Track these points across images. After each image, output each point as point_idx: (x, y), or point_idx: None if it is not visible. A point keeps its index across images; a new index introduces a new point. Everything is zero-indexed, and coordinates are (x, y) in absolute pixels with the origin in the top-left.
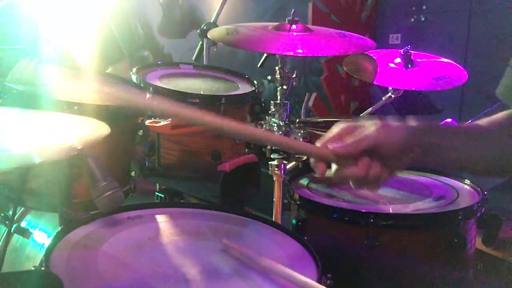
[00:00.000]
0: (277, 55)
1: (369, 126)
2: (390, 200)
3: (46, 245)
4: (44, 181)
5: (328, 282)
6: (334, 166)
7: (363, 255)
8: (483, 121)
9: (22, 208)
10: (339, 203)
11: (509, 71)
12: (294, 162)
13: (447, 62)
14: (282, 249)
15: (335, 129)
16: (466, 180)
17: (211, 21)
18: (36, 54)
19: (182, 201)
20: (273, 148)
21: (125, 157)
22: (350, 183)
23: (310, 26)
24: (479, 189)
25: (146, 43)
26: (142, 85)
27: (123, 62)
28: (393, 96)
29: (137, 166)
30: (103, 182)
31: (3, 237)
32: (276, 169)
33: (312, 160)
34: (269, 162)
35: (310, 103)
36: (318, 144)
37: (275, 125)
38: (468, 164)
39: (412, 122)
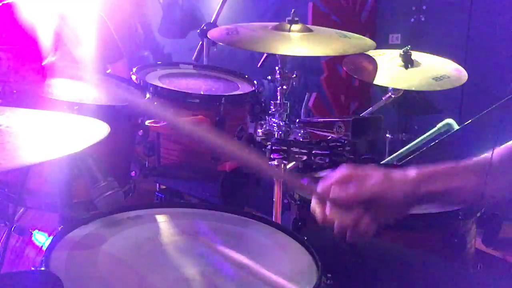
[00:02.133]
0: (277, 55)
1: (372, 176)
2: None
3: (46, 245)
4: (44, 181)
5: (328, 282)
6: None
7: (363, 255)
8: (495, 154)
9: (22, 208)
10: None
11: None
12: (294, 162)
13: (447, 62)
14: (282, 249)
15: (339, 173)
16: None
17: (211, 21)
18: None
19: (182, 201)
20: (273, 148)
21: (125, 157)
22: (335, 225)
23: (310, 26)
24: None
25: (146, 43)
26: (142, 85)
27: (121, 61)
28: (393, 96)
29: (137, 166)
30: (103, 182)
31: (3, 237)
32: (276, 169)
33: (313, 202)
34: (269, 162)
35: (310, 103)
36: (321, 184)
37: (275, 125)
38: (478, 201)
39: (413, 171)
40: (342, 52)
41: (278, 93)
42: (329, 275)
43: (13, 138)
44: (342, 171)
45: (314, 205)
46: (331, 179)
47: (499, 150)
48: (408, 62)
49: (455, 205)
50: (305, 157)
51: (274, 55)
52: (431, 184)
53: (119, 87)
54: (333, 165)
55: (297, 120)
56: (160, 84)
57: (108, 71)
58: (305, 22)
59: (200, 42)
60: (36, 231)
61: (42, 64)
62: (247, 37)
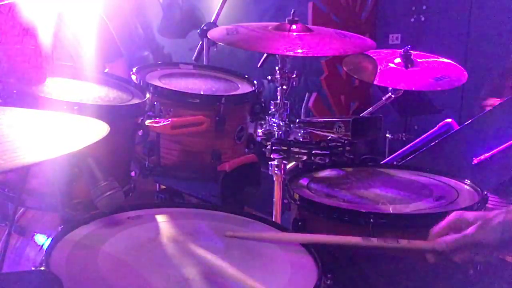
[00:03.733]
0: (277, 55)
1: (471, 222)
2: (390, 200)
3: (46, 245)
4: (44, 181)
5: (328, 282)
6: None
7: (363, 255)
8: None
9: (22, 208)
10: (339, 203)
11: None
12: (294, 162)
13: (447, 62)
14: (282, 249)
15: (446, 222)
16: (466, 180)
17: (211, 21)
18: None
19: (182, 201)
20: (273, 148)
21: (125, 157)
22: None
23: (310, 26)
24: (479, 189)
25: (146, 43)
26: (142, 85)
27: (120, 60)
28: (393, 96)
29: (137, 166)
30: (103, 182)
31: (3, 237)
32: (276, 169)
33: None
34: (269, 162)
35: (310, 103)
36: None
37: (275, 125)
38: None
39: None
40: (342, 52)
41: (278, 93)
42: (329, 275)
43: (13, 138)
44: (449, 219)
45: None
46: (442, 228)
47: None
48: (408, 62)
49: None
50: (305, 157)
51: (274, 55)
52: None
53: (118, 87)
54: (333, 165)
55: (297, 120)
56: (160, 84)
57: (106, 70)
58: (305, 22)
59: (200, 42)
60: (36, 231)
61: (42, 64)
62: (247, 37)
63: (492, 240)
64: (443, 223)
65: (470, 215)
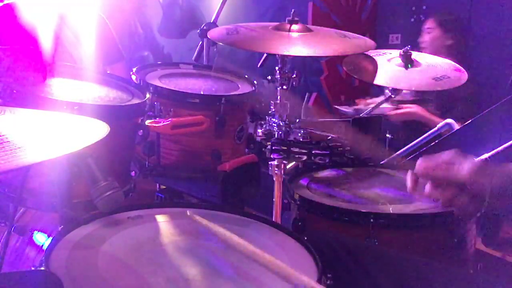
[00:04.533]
0: (277, 55)
1: (468, 164)
2: (390, 200)
3: (46, 245)
4: (44, 181)
5: (328, 282)
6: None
7: (362, 255)
8: None
9: (22, 208)
10: (339, 203)
11: None
12: (294, 162)
13: (447, 62)
14: (282, 249)
15: (445, 156)
16: None
17: (211, 21)
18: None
19: (182, 201)
20: (273, 148)
21: (125, 157)
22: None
23: (310, 26)
24: None
25: (146, 43)
26: (142, 85)
27: (121, 63)
28: (393, 96)
29: (137, 166)
30: (103, 182)
31: (3, 237)
32: (276, 169)
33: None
34: (269, 162)
35: (310, 103)
36: (422, 163)
37: (275, 125)
38: None
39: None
40: (342, 52)
41: (278, 93)
42: (329, 275)
43: (13, 138)
44: (447, 154)
45: (410, 180)
46: (435, 159)
47: None
48: (408, 62)
49: None
50: (305, 157)
51: (274, 55)
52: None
53: (118, 87)
54: (333, 165)
55: (297, 120)
56: (160, 84)
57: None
58: (305, 22)
59: (200, 42)
60: (36, 231)
61: (42, 64)
62: (247, 37)
63: (484, 185)
64: (436, 156)
65: (465, 159)
